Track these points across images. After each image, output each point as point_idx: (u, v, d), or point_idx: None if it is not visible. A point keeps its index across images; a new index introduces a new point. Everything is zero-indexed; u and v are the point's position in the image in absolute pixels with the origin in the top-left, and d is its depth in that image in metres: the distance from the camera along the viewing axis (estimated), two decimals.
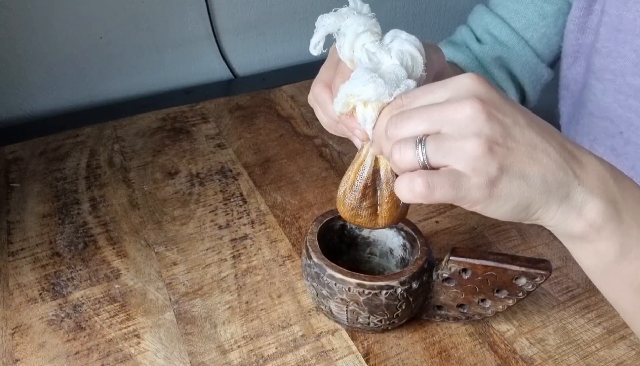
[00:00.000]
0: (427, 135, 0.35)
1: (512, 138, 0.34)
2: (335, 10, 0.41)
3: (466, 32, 0.72)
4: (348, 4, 0.42)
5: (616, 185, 0.36)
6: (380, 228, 0.44)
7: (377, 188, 0.42)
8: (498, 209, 0.35)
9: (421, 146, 0.35)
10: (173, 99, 0.89)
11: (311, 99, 0.46)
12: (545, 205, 0.35)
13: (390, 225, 0.44)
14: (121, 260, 0.57)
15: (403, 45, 0.39)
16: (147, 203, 0.65)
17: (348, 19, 0.40)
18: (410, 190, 0.35)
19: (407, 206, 0.43)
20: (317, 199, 0.66)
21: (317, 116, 0.46)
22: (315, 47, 0.42)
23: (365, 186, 0.42)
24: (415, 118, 0.35)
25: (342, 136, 0.44)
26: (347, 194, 0.43)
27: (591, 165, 0.36)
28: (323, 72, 0.45)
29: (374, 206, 0.43)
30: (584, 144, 0.67)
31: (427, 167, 0.35)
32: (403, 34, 0.40)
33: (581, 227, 0.36)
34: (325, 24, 0.41)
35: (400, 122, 0.36)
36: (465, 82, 0.35)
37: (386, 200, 0.42)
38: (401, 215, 0.43)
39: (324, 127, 0.46)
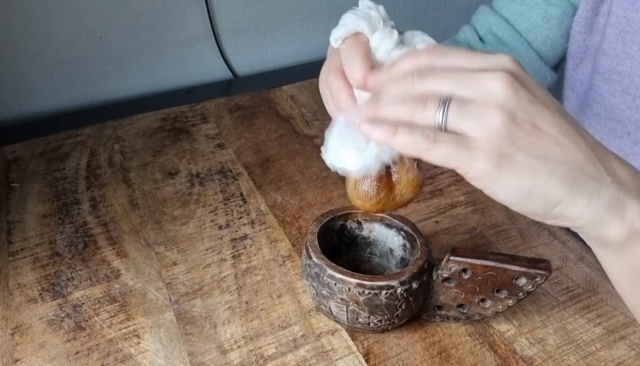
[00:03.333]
0: (451, 99, 0.33)
1: (541, 118, 0.33)
2: (362, 9, 0.42)
3: (469, 31, 0.72)
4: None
5: None
6: (404, 203, 0.42)
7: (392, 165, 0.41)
8: (507, 193, 0.33)
9: (444, 108, 0.33)
10: (173, 99, 0.89)
11: (323, 87, 0.44)
12: (569, 198, 0.33)
13: (412, 197, 0.42)
14: (121, 260, 0.57)
15: (425, 38, 0.41)
16: (147, 203, 0.65)
17: (375, 34, 0.41)
18: (411, 139, 0.33)
19: (421, 175, 0.41)
20: (317, 199, 0.66)
21: (326, 106, 0.44)
22: (336, 41, 0.42)
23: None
24: (442, 76, 0.34)
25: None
26: (366, 185, 0.42)
27: (624, 167, 0.34)
28: (333, 58, 0.43)
29: (390, 184, 0.42)
30: None
31: (441, 129, 0.33)
32: (418, 32, 0.42)
33: (619, 230, 0.33)
34: (353, 23, 0.41)
35: (428, 75, 0.34)
36: (502, 58, 0.34)
37: (405, 169, 0.41)
38: (419, 184, 0.41)
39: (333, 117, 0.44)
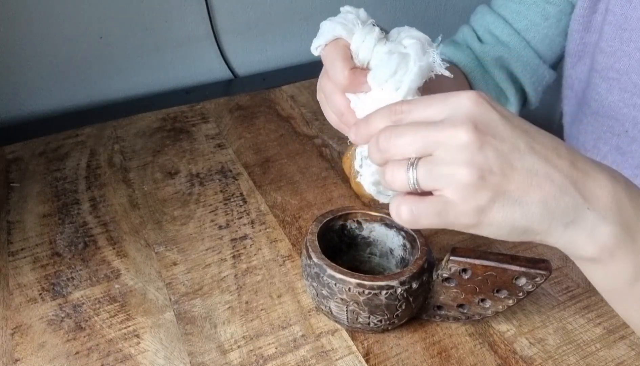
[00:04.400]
0: (419, 158, 0.35)
1: (509, 165, 0.33)
2: (340, 15, 0.42)
3: (468, 31, 0.72)
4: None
5: (631, 205, 0.35)
6: None
7: None
8: (493, 234, 0.35)
9: (412, 168, 0.35)
10: (173, 99, 0.89)
11: (319, 94, 0.46)
12: (546, 230, 0.34)
13: None
14: (121, 260, 0.57)
15: (412, 33, 0.41)
16: (147, 203, 0.65)
17: (355, 35, 0.41)
18: (397, 215, 0.35)
19: None
20: (317, 199, 0.66)
21: (324, 112, 0.46)
22: (317, 49, 0.43)
23: None
24: (408, 136, 0.35)
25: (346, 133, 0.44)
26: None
27: (605, 185, 0.34)
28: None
29: None
30: (588, 143, 0.67)
31: (417, 190, 0.35)
32: (405, 27, 0.42)
33: (592, 250, 0.35)
34: (330, 29, 0.42)
35: (394, 139, 0.35)
36: (464, 104, 0.34)
37: None
38: None
39: (331, 123, 0.45)
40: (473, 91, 0.35)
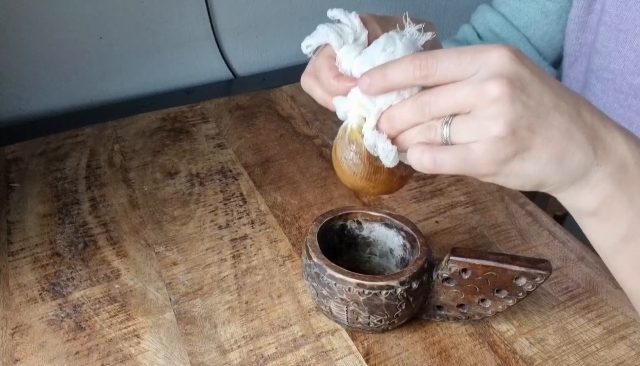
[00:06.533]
0: (454, 116, 0.35)
1: (536, 120, 0.34)
2: (338, 24, 0.43)
3: (468, 30, 0.72)
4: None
5: (638, 167, 0.36)
6: (385, 188, 0.43)
7: None
8: (507, 183, 0.36)
9: (447, 126, 0.35)
10: (173, 99, 0.90)
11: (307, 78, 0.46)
12: (558, 182, 0.36)
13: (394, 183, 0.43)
14: (121, 260, 0.57)
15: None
16: (147, 203, 0.65)
17: (342, 49, 0.42)
18: (419, 163, 0.36)
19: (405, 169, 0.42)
20: (317, 199, 0.66)
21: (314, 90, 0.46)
22: (307, 48, 0.44)
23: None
24: (443, 104, 0.35)
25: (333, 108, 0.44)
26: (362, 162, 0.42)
27: (616, 145, 0.36)
28: (309, 66, 0.46)
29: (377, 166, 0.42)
30: None
31: (447, 144, 0.36)
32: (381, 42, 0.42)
33: (592, 203, 0.37)
34: (323, 34, 0.43)
35: (432, 107, 0.36)
36: (495, 60, 0.34)
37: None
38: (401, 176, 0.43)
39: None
40: (503, 46, 0.35)
